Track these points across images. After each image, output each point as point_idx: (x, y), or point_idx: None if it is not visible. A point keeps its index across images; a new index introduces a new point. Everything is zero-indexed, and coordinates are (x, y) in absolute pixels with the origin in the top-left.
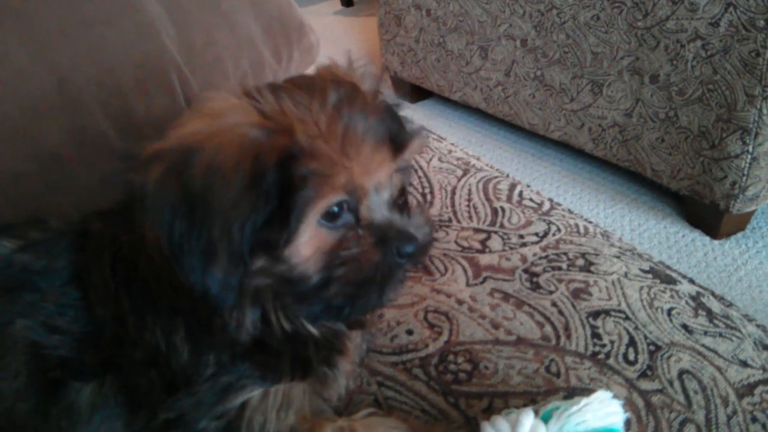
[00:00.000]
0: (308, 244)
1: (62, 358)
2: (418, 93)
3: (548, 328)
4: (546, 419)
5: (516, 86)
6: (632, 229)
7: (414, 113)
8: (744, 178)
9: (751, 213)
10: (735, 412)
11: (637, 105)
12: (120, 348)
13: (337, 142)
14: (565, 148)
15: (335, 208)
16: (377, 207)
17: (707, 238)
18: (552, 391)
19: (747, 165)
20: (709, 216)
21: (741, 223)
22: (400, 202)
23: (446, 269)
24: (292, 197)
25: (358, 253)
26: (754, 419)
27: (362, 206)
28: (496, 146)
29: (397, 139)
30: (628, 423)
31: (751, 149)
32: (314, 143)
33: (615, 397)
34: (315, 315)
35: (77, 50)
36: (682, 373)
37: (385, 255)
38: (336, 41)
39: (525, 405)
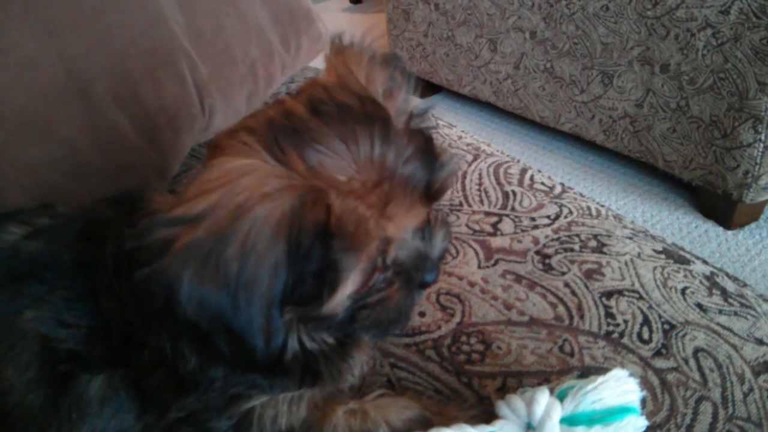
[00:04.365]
0: (342, 300)
1: (71, 352)
2: (428, 88)
3: (561, 309)
4: (561, 397)
5: (525, 79)
6: (645, 221)
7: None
8: (757, 167)
9: (765, 203)
10: (751, 390)
11: (648, 95)
12: (128, 347)
13: (377, 204)
14: (575, 140)
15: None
16: (405, 243)
17: (720, 229)
18: (566, 370)
19: (760, 154)
20: (722, 206)
21: (754, 213)
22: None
23: (458, 252)
24: (329, 269)
25: (384, 295)
26: None
27: (391, 248)
28: (507, 140)
29: (434, 181)
30: (644, 401)
31: (763, 138)
32: (352, 211)
33: (631, 375)
34: (334, 336)
35: (87, 39)
36: (697, 351)
37: (410, 293)
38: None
39: (539, 384)
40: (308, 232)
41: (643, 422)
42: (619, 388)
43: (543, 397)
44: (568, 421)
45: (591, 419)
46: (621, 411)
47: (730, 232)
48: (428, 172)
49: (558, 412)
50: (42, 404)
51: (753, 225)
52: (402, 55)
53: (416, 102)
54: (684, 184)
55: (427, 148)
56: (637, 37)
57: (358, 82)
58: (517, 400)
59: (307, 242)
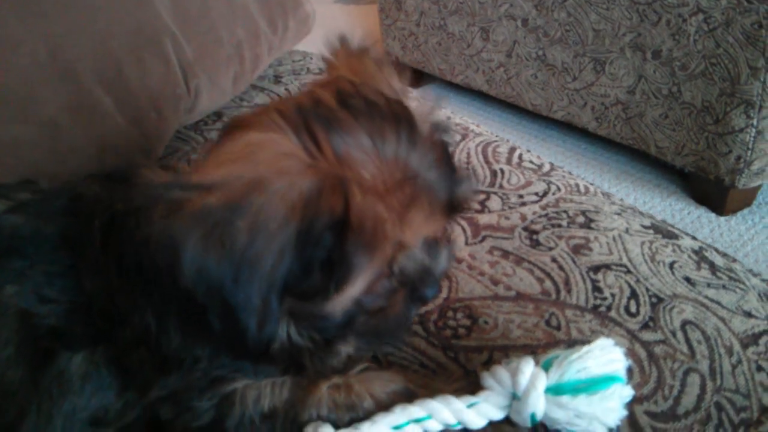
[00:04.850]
0: (347, 300)
1: (52, 328)
2: (420, 77)
3: (548, 283)
4: (546, 367)
5: (518, 67)
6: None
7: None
8: (749, 153)
9: (757, 188)
10: (740, 362)
11: (640, 82)
12: (110, 323)
13: (396, 205)
14: (568, 128)
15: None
16: (414, 256)
17: (713, 215)
18: (552, 344)
19: (751, 139)
20: (714, 192)
21: (747, 198)
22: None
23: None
24: (339, 264)
25: (385, 304)
26: (760, 368)
27: (401, 255)
28: (500, 129)
29: (454, 194)
30: (630, 371)
31: (755, 123)
32: (370, 206)
33: (617, 344)
34: (327, 335)
35: (70, 18)
36: (685, 323)
37: (411, 306)
38: (336, 28)
39: None
40: (323, 218)
41: (629, 391)
42: (604, 357)
43: (528, 367)
44: (554, 390)
45: (576, 388)
46: (606, 380)
47: (722, 218)
48: (450, 182)
49: (543, 381)
50: (22, 381)
51: (745, 210)
52: (394, 45)
53: (440, 113)
54: (676, 170)
55: (448, 160)
56: (629, 23)
57: (383, 83)
58: (501, 371)
59: (320, 229)
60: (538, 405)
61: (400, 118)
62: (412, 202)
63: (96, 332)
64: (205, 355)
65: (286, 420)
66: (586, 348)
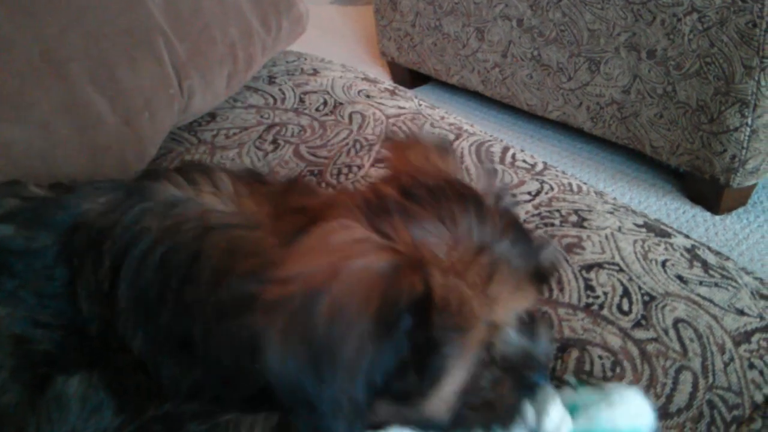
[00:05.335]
0: (447, 395)
1: (47, 353)
2: (416, 78)
3: None
4: (572, 411)
5: (513, 67)
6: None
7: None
8: (743, 151)
9: (752, 187)
10: (732, 359)
11: (635, 81)
12: (106, 348)
13: (479, 283)
14: (563, 128)
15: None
16: (511, 338)
17: (708, 214)
18: None
19: (746, 138)
20: (709, 191)
21: (742, 197)
22: (524, 319)
23: None
24: (431, 354)
25: (492, 395)
26: (752, 366)
27: (498, 340)
28: (495, 129)
29: (537, 262)
30: (622, 369)
31: (750, 122)
32: (453, 287)
33: (644, 397)
34: None
35: (62, 18)
36: (677, 321)
37: (519, 393)
38: (333, 30)
39: None
40: (403, 298)
41: None
42: (632, 410)
43: (555, 410)
44: None
45: None
46: None
47: (717, 217)
48: (528, 250)
49: (568, 427)
50: (18, 404)
51: (740, 209)
52: (390, 45)
53: (499, 182)
54: (671, 170)
55: (520, 228)
56: (624, 23)
57: (439, 168)
58: (527, 406)
59: (401, 310)
60: None
61: (466, 197)
62: (492, 274)
63: (91, 356)
64: (209, 394)
65: None
66: (616, 397)
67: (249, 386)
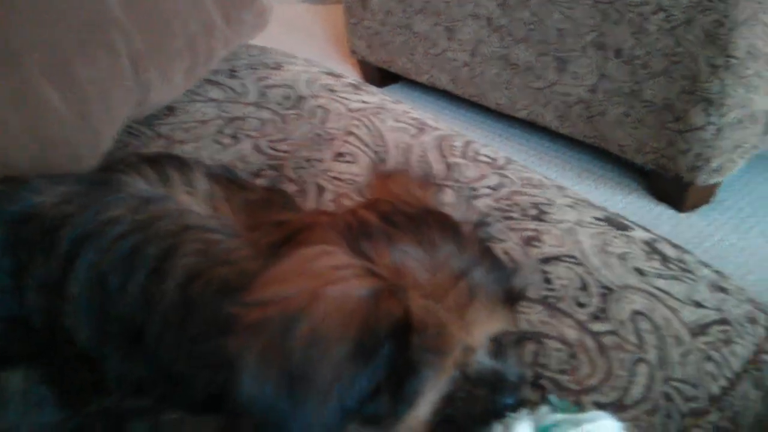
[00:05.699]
0: (421, 418)
1: None
2: (386, 77)
3: None
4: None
5: (482, 66)
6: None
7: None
8: (708, 150)
9: (716, 185)
10: (689, 351)
11: (602, 80)
12: (51, 341)
13: (457, 307)
14: (531, 127)
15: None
16: (483, 358)
17: (673, 212)
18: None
19: (711, 136)
20: (674, 189)
21: (706, 195)
22: (495, 341)
23: None
24: (408, 377)
25: (465, 410)
26: (709, 358)
27: (471, 362)
28: (464, 128)
29: (509, 287)
30: (579, 362)
31: (714, 120)
32: (432, 312)
33: (622, 425)
34: None
35: (17, 9)
36: (634, 314)
37: (493, 409)
38: (303, 29)
39: None
40: (382, 323)
41: None
42: None
43: (521, 431)
44: None
45: None
46: None
47: (682, 215)
48: (501, 275)
49: None
50: None
51: (705, 207)
52: (360, 44)
53: (476, 211)
54: (637, 168)
55: (493, 255)
56: (592, 22)
57: (419, 198)
58: (497, 426)
59: (380, 335)
60: None
61: (445, 225)
62: (469, 299)
63: (35, 349)
64: (154, 392)
65: None
66: (587, 426)
67: (199, 392)
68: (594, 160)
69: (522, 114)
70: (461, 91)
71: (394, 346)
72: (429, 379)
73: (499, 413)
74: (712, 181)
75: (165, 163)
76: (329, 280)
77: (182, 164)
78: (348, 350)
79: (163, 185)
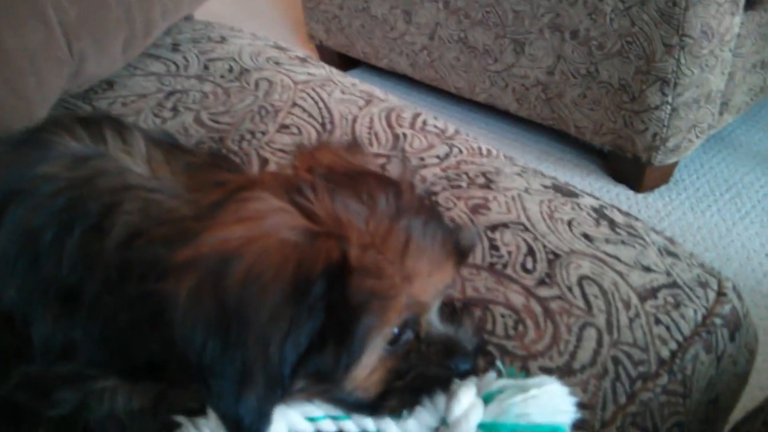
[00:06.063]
0: (369, 370)
1: None
2: (346, 62)
3: None
4: (488, 399)
5: (441, 50)
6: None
7: None
8: (664, 130)
9: (674, 165)
10: (638, 315)
11: (559, 62)
12: None
13: (397, 254)
14: (491, 111)
15: (397, 330)
16: (435, 320)
17: (631, 192)
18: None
19: (667, 116)
20: (632, 170)
21: (664, 176)
22: (448, 309)
23: None
24: (351, 324)
25: (419, 369)
26: (658, 321)
27: (423, 320)
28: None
29: (453, 242)
30: (525, 327)
31: (670, 100)
32: (371, 256)
33: (572, 393)
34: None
35: None
36: (581, 279)
37: (447, 371)
38: (259, 13)
39: None
40: (318, 263)
41: None
42: (551, 405)
43: (466, 396)
44: (488, 428)
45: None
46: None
47: (640, 195)
48: (444, 227)
49: (478, 415)
50: None
51: (663, 188)
52: (317, 28)
53: (413, 170)
54: (595, 150)
55: (437, 211)
56: (548, 4)
57: (352, 162)
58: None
59: (316, 276)
60: None
61: (383, 181)
62: (408, 247)
63: None
64: (85, 357)
65: (157, 416)
66: (533, 391)
67: (138, 358)
68: (552, 142)
69: (481, 98)
70: (420, 75)
71: (329, 285)
72: (373, 327)
73: (452, 379)
74: (669, 161)
75: (101, 124)
76: (265, 222)
77: (120, 126)
78: (284, 291)
79: (98, 146)
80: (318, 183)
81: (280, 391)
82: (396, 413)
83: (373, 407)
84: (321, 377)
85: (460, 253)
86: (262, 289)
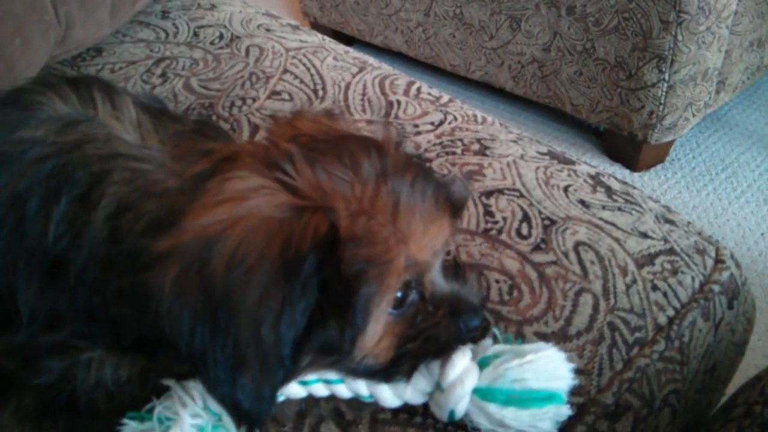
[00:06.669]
0: (377, 338)
1: None
2: (340, 40)
3: None
4: (483, 364)
5: (436, 26)
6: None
7: None
8: (661, 107)
9: (670, 144)
10: (634, 281)
11: (555, 39)
12: None
13: (388, 217)
14: (487, 88)
15: (400, 293)
16: (438, 279)
17: (627, 171)
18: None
19: (663, 94)
20: (628, 148)
21: (660, 154)
22: (451, 267)
23: None
24: (349, 295)
25: (429, 331)
26: (655, 287)
27: (426, 280)
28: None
29: (446, 197)
30: (520, 292)
31: (667, 77)
32: (361, 223)
33: (568, 358)
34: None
35: None
36: (578, 244)
37: (457, 327)
38: None
39: None
40: (306, 239)
41: (566, 411)
42: (547, 371)
43: (461, 360)
44: (482, 393)
45: (508, 398)
46: (543, 397)
47: (636, 174)
48: (434, 183)
49: (473, 380)
50: None
51: (659, 166)
52: (312, 5)
53: (395, 130)
54: (592, 128)
55: (422, 166)
56: None
57: (332, 128)
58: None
59: (304, 250)
60: (460, 403)
61: (366, 143)
62: (397, 208)
63: None
64: (71, 329)
65: (144, 385)
66: (530, 356)
67: (126, 333)
68: (549, 121)
69: (477, 75)
70: (415, 53)
71: (321, 259)
72: (373, 295)
73: (464, 337)
74: (665, 140)
75: (91, 87)
76: (248, 204)
77: (109, 88)
78: (272, 270)
79: (87, 109)
80: (296, 155)
81: (282, 372)
82: (410, 377)
83: (387, 373)
84: (328, 351)
85: (453, 207)
86: (248, 271)
